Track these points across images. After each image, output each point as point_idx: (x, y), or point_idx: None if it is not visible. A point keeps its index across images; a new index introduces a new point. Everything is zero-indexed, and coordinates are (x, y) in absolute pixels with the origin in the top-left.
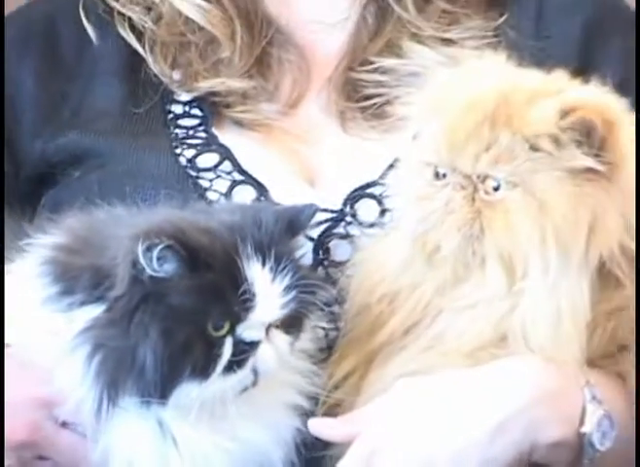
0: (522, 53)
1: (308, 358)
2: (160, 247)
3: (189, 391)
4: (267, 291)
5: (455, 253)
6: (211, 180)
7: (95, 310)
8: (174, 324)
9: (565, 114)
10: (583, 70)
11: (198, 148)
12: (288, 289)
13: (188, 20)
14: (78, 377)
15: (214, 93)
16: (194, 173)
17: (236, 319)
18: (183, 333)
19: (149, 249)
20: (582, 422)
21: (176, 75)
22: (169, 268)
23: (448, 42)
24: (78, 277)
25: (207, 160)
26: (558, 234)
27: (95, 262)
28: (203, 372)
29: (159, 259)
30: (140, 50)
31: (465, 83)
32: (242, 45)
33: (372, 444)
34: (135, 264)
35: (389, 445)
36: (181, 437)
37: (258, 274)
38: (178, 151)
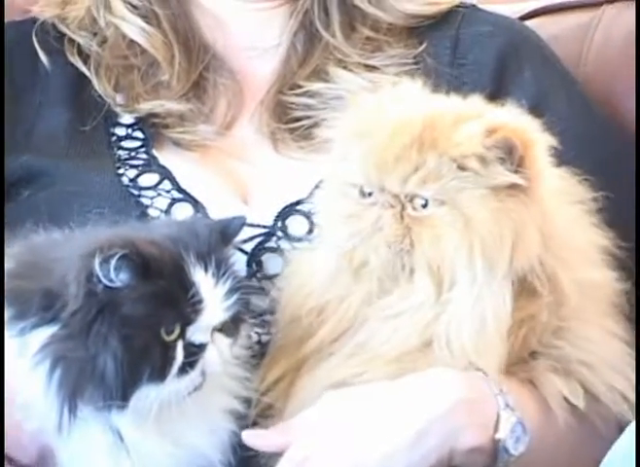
0: (440, 79)
1: (242, 364)
2: (117, 257)
3: (147, 393)
4: (212, 295)
5: (383, 266)
6: (152, 198)
7: (48, 332)
8: (132, 331)
9: (490, 133)
10: (496, 95)
11: (140, 168)
12: (230, 293)
13: (131, 44)
14: (41, 392)
15: (154, 115)
16: (135, 192)
17: (187, 322)
18: (141, 338)
19: (106, 261)
20: (496, 429)
21: (119, 97)
22: (124, 277)
23: (371, 68)
24: (28, 301)
25: (148, 179)
26: (484, 248)
27: (44, 285)
28: (160, 374)
29: (115, 269)
30: (86, 72)
31: (388, 108)
32: (180, 69)
33: (303, 452)
34: (90, 278)
35: (320, 452)
36: (133, 445)
37: (202, 280)
38: (121, 171)
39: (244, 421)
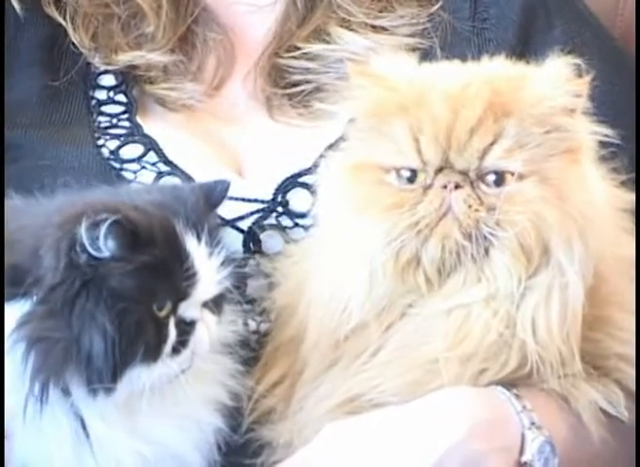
0: (458, 37)
1: (232, 354)
2: (107, 223)
3: (138, 375)
4: (206, 267)
5: (442, 258)
6: (135, 172)
7: (20, 308)
8: (123, 306)
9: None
10: (522, 54)
11: (122, 139)
12: (223, 264)
13: None
14: (12, 373)
15: (135, 68)
16: (117, 165)
17: (181, 297)
18: (133, 314)
19: (93, 228)
20: (522, 451)
21: (95, 48)
22: (113, 246)
23: (379, 29)
24: None
25: (131, 151)
26: (581, 223)
27: (8, 259)
28: (154, 353)
29: (104, 237)
30: (62, 21)
31: (420, 78)
32: (167, 20)
33: None
34: (72, 247)
35: None
36: (96, 436)
37: (196, 250)
38: (101, 142)
39: (234, 420)
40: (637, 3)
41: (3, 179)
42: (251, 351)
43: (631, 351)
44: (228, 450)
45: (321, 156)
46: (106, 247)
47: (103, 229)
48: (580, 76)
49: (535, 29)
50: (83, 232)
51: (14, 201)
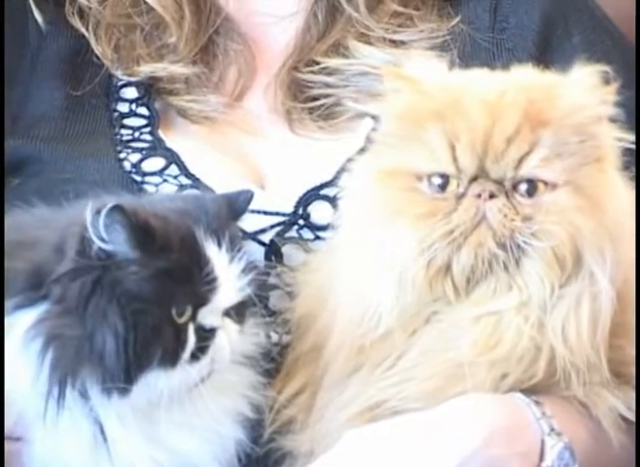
0: (478, 48)
1: (254, 367)
2: (106, 209)
3: (156, 379)
4: (227, 273)
5: (473, 267)
6: (157, 185)
7: (36, 311)
8: (139, 308)
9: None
10: (541, 63)
11: (144, 152)
12: (244, 272)
13: (135, 2)
14: (27, 375)
15: (158, 80)
16: (139, 178)
17: (201, 302)
18: (149, 317)
19: (96, 217)
20: (542, 457)
21: (117, 59)
22: (118, 236)
23: (398, 43)
24: (11, 281)
25: (153, 164)
26: (614, 233)
27: (31, 262)
28: (172, 358)
29: (105, 225)
30: (84, 32)
31: (454, 85)
32: (189, 31)
33: None
34: (82, 240)
35: None
36: (114, 443)
37: (216, 256)
38: (122, 155)
39: (255, 431)
40: (637, 4)
41: (3, 182)
42: (273, 363)
43: None
44: (248, 461)
45: (342, 168)
46: (110, 236)
47: (103, 214)
48: (605, 84)
49: (554, 38)
50: (88, 223)
51: (40, 209)
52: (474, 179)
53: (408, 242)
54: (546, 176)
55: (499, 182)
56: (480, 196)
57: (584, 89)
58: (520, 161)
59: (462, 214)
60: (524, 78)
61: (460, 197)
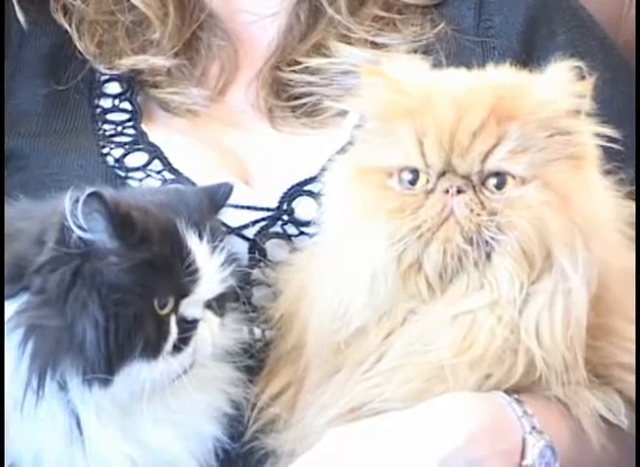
0: (463, 49)
1: (235, 362)
2: (84, 196)
3: (138, 371)
4: (208, 265)
5: (444, 263)
6: (140, 180)
7: (17, 303)
8: (119, 299)
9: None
10: (525, 62)
11: (127, 147)
12: (226, 263)
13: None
14: (11, 364)
15: (140, 73)
16: (122, 173)
17: (183, 294)
18: (130, 307)
19: (75, 204)
20: (523, 455)
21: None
22: (96, 224)
23: (380, 46)
24: None
25: (136, 159)
26: (584, 228)
27: (10, 255)
28: (154, 350)
29: (84, 213)
30: (68, 28)
31: (428, 84)
32: (172, 27)
33: None
34: (62, 225)
35: None
36: (90, 437)
37: (197, 248)
38: (105, 150)
39: (234, 429)
40: (637, 5)
41: (3, 182)
42: (254, 359)
43: (633, 360)
44: (230, 459)
45: (326, 164)
46: (88, 224)
47: (80, 202)
48: (583, 79)
49: (538, 37)
50: (67, 212)
51: (21, 203)
52: (442, 174)
53: (378, 237)
54: (513, 169)
55: (467, 177)
56: (447, 191)
57: (554, 83)
58: (487, 154)
59: (429, 209)
60: (497, 76)
61: (429, 192)
